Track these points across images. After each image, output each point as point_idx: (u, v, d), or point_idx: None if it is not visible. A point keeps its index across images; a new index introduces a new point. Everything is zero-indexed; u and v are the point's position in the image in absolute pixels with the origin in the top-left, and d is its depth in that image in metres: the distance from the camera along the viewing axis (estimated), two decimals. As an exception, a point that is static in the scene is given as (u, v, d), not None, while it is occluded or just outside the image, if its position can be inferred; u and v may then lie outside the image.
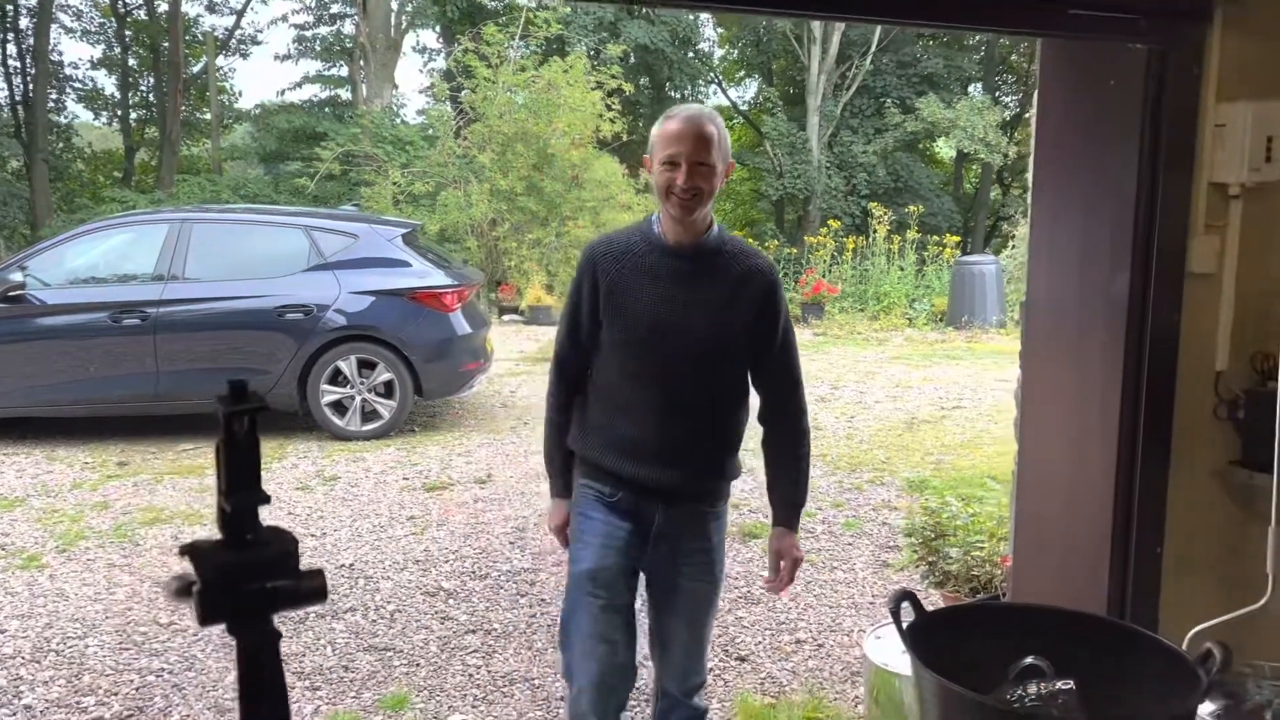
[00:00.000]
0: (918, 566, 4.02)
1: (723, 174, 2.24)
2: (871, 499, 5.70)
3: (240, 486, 0.94)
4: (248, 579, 0.94)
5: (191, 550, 0.93)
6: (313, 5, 23.77)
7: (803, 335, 11.69)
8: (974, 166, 21.58)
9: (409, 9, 21.30)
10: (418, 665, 3.79)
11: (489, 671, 3.75)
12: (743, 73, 24.83)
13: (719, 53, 24.27)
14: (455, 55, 15.38)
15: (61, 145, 24.10)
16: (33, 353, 6.74)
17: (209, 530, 5.51)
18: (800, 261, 14.69)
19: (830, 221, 15.34)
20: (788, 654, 3.87)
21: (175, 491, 5.86)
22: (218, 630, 3.59)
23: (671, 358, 2.24)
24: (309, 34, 23.94)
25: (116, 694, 3.56)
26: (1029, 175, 2.91)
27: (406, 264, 7.06)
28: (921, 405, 8.06)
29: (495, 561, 4.80)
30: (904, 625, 1.71)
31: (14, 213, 20.66)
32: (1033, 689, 1.71)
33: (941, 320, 12.38)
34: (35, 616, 4.17)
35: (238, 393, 0.91)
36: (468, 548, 4.98)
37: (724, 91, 24.72)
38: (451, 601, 4.37)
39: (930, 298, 13.09)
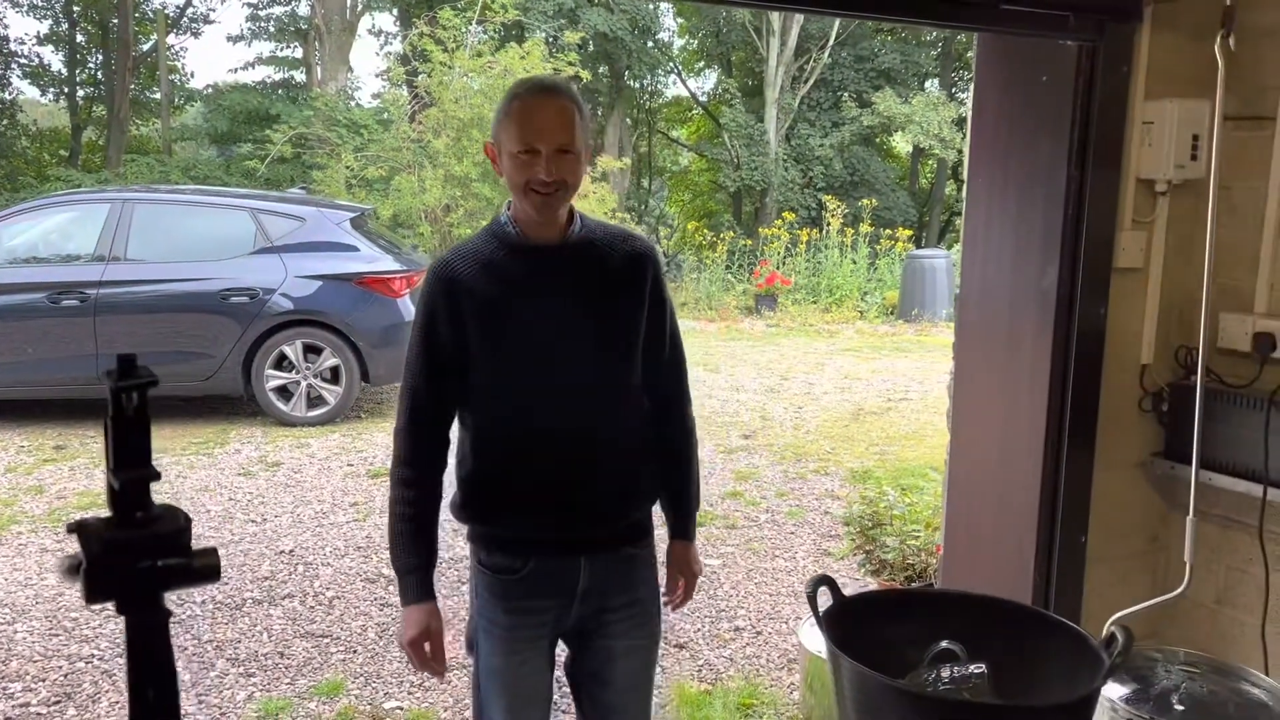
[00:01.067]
0: (855, 555, 4.07)
1: (585, 162, 1.88)
2: (815, 488, 5.75)
3: (129, 463, 0.92)
4: (137, 556, 0.93)
5: (80, 527, 0.92)
6: (268, -16, 23.37)
7: (755, 326, 11.75)
8: (929, 161, 21.78)
9: (365, -9, 21.02)
10: (355, 652, 3.77)
11: (427, 658, 3.73)
12: (702, 63, 24.82)
13: (679, 43, 24.25)
14: (411, 39, 15.22)
15: (5, 122, 23.52)
16: (-33, 333, 6.59)
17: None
18: (754, 253, 14.75)
19: (785, 214, 15.42)
20: (726, 641, 3.90)
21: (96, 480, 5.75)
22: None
23: (569, 376, 1.87)
24: (263, 14, 23.55)
25: (45, 680, 3.51)
26: (965, 168, 2.95)
27: (354, 249, 6.99)
28: (869, 397, 8.14)
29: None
30: (821, 610, 1.73)
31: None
32: (946, 672, 1.74)
33: (893, 313, 12.50)
34: (-38, 602, 4.09)
35: (126, 368, 0.90)
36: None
37: (683, 81, 24.74)
38: (392, 588, 4.34)
39: (882, 291, 13.21)
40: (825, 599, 1.82)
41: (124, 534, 0.92)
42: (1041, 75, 2.60)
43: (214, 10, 28.59)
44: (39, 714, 3.30)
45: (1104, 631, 2.54)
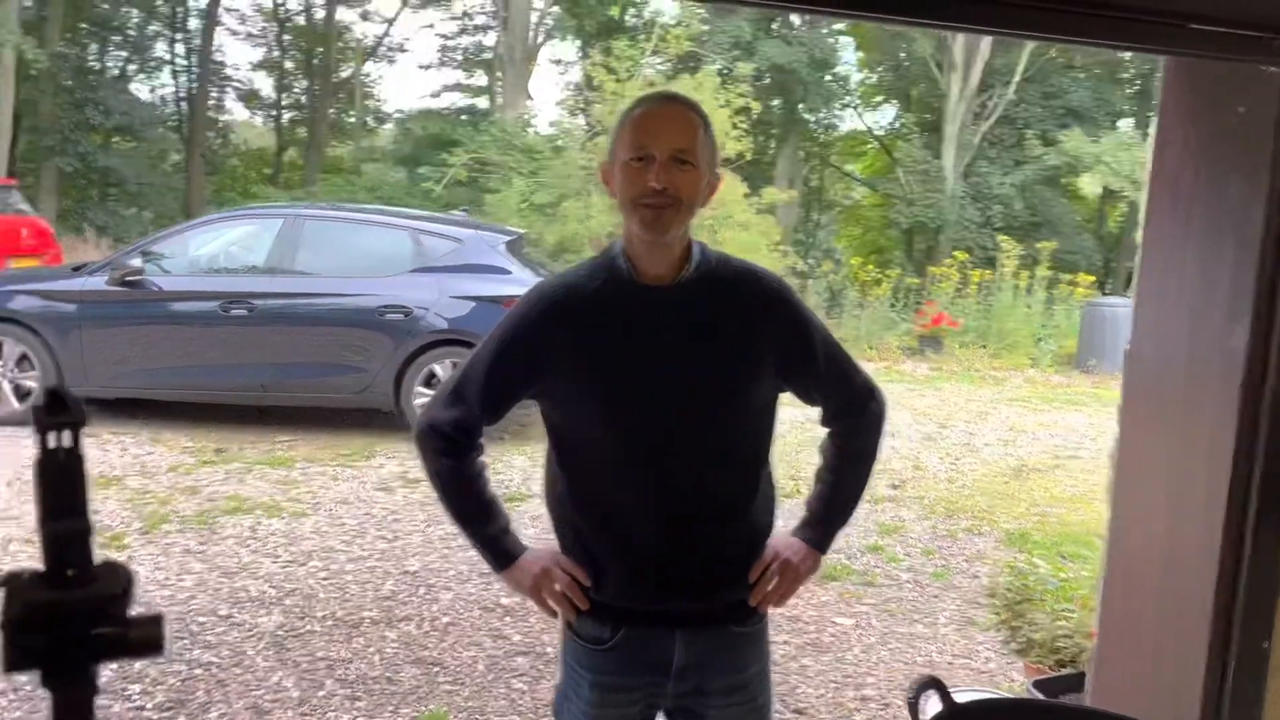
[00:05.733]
0: (999, 630, 3.71)
1: (709, 185, 1.67)
2: (966, 549, 5.34)
3: (60, 512, 0.80)
4: (63, 622, 0.81)
5: (7, 581, 0.80)
6: (459, 15, 24.44)
7: (916, 369, 11.25)
8: (1120, 205, 20.51)
9: (547, 21, 21.62)
10: (462, 684, 3.68)
11: (533, 698, 3.61)
12: (880, 98, 24.33)
13: (857, 76, 23.83)
14: (586, 69, 15.51)
15: (219, 141, 25.41)
16: (149, 337, 6.97)
17: (285, 523, 5.50)
18: (921, 292, 14.19)
19: (956, 253, 14.79)
20: (850, 711, 3.60)
21: (263, 482, 5.93)
22: (270, 629, 3.49)
23: (672, 433, 1.68)
24: (452, 43, 24.61)
25: (162, 684, 3.56)
26: (1141, 210, 2.61)
27: (507, 271, 7.03)
28: (1034, 452, 7.59)
29: (559, 582, 4.66)
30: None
31: (170, 203, 21.86)
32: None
33: (1068, 363, 11.73)
34: (104, 596, 4.23)
35: (55, 403, 0.78)
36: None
37: (860, 115, 24.27)
38: (508, 619, 4.25)
39: (1058, 339, 12.43)
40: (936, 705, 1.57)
41: (52, 595, 0.79)
42: (1237, 106, 2.26)
43: (408, 40, 30.07)
44: (150, 718, 3.34)
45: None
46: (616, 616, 1.73)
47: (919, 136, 20.41)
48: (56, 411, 0.78)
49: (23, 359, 6.89)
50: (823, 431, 1.90)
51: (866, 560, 5.09)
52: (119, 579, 0.83)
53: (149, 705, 3.41)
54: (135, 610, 0.83)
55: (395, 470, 6.32)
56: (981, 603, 4.54)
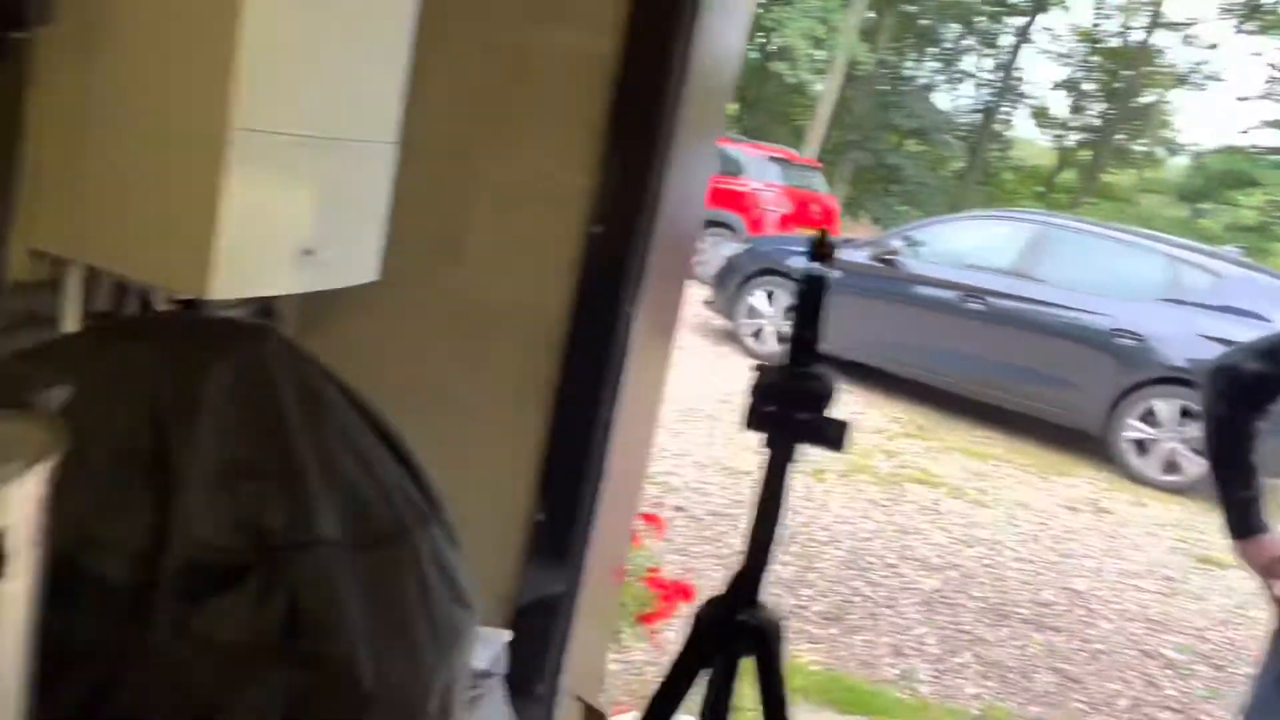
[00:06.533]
0: None
1: None
2: None
3: (805, 323, 1.08)
4: (785, 401, 1.09)
5: (759, 366, 1.11)
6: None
7: None
8: None
9: None
10: (1098, 710, 3.57)
11: (1169, 756, 3.36)
12: None
13: None
14: None
15: (998, 153, 26.17)
16: (890, 312, 7.60)
17: (964, 506, 5.76)
18: None
19: None
20: None
21: (953, 467, 6.20)
22: (926, 589, 3.87)
23: None
24: (1282, 75, 21.88)
25: (826, 597, 4.04)
26: None
27: (1268, 320, 6.25)
28: None
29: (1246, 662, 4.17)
30: None
31: (939, 206, 23.21)
32: None
33: None
34: (801, 512, 4.84)
35: (818, 244, 1.06)
36: (1215, 631, 4.41)
37: None
38: (1169, 672, 3.96)
39: None
40: None
41: (783, 381, 1.09)
42: None
43: (1226, 68, 27.46)
44: (810, 619, 3.83)
45: None
46: None
47: None
48: (819, 248, 1.06)
49: (788, 310, 8.04)
50: None
51: None
52: (827, 385, 1.10)
53: (811, 610, 3.91)
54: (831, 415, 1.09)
55: (1087, 494, 6.13)
56: None
